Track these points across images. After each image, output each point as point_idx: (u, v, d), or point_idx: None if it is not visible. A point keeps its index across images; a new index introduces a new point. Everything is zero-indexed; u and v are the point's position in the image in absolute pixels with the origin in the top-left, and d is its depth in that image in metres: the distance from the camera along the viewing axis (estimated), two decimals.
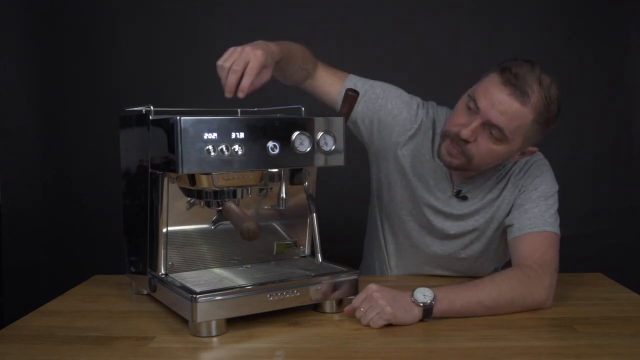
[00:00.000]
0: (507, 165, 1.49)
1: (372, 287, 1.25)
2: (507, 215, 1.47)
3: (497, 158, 1.39)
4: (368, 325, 1.21)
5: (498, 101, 1.30)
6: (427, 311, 1.23)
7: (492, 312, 1.27)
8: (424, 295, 1.23)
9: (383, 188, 1.59)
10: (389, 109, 1.52)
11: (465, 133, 1.33)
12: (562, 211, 2.30)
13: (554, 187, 1.48)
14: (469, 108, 1.35)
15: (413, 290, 1.24)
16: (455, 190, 1.51)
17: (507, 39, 2.23)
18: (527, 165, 1.48)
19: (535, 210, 1.42)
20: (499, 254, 1.57)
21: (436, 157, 1.49)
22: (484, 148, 1.35)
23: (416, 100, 1.55)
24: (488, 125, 1.33)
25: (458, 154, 1.38)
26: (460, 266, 1.58)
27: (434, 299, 1.23)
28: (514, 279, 1.31)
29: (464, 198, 1.50)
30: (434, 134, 1.53)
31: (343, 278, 1.30)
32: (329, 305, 1.30)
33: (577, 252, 2.21)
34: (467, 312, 1.26)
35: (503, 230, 1.49)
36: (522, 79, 1.30)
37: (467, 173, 1.48)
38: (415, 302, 1.22)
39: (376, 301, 1.21)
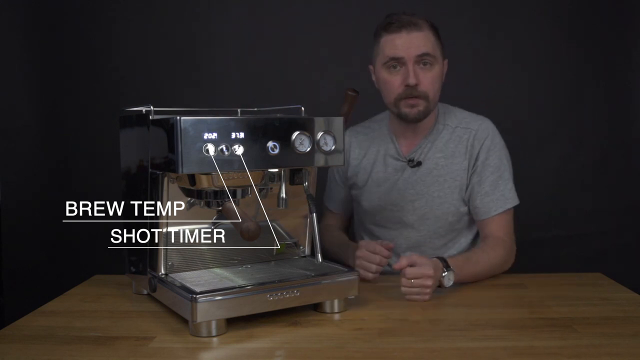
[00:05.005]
0: (445, 120, 1.67)
1: (432, 272, 1.37)
2: (466, 186, 1.63)
3: (439, 80, 1.62)
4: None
5: (409, 41, 1.55)
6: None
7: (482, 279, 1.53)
8: (449, 279, 1.42)
9: (357, 205, 1.79)
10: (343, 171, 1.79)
11: (411, 80, 1.55)
12: (562, 211, 2.30)
13: (504, 157, 1.63)
14: (393, 68, 1.58)
15: (444, 273, 1.41)
16: (407, 160, 1.67)
17: (506, 40, 2.23)
18: (477, 136, 1.63)
19: (496, 193, 1.61)
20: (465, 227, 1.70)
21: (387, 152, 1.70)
22: (428, 79, 1.58)
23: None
24: (418, 61, 1.56)
25: (417, 100, 1.58)
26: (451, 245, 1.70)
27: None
28: (500, 255, 1.55)
29: (419, 164, 1.66)
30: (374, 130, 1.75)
31: (343, 278, 1.30)
32: (329, 305, 1.30)
33: (577, 252, 2.21)
34: (465, 281, 1.48)
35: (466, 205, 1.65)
36: (405, 20, 1.56)
37: (412, 141, 1.68)
38: (441, 284, 1.41)
39: (426, 287, 1.36)
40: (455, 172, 1.63)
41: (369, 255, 1.48)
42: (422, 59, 1.56)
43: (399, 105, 1.60)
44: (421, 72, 1.57)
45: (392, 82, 1.59)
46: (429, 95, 1.58)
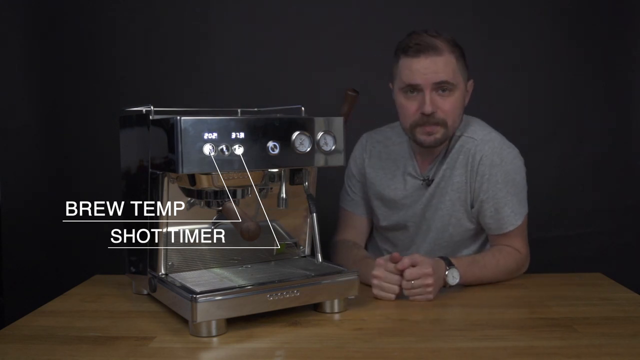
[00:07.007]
0: (461, 132, 1.60)
1: (430, 270, 1.36)
2: (472, 201, 1.58)
3: (460, 106, 1.55)
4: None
5: (426, 67, 1.48)
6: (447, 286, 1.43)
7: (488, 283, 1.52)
8: (453, 276, 1.42)
9: (373, 211, 1.74)
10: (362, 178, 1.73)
11: (427, 108, 1.49)
12: (562, 211, 2.30)
13: (512, 172, 1.57)
14: (410, 93, 1.52)
15: (447, 270, 1.41)
16: (422, 179, 1.63)
17: (506, 40, 2.23)
18: (479, 148, 1.56)
19: (506, 209, 1.56)
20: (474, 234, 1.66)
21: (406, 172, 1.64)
22: (447, 106, 1.51)
23: (353, 155, 1.76)
24: (436, 88, 1.49)
25: (434, 128, 1.52)
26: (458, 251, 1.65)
27: (459, 279, 1.43)
28: (509, 262, 1.54)
29: (432, 181, 1.61)
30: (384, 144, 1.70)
31: (343, 278, 1.30)
32: (329, 305, 1.30)
33: (577, 252, 2.21)
34: (470, 284, 1.48)
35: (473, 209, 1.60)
36: (424, 43, 1.48)
37: (430, 158, 1.62)
38: (446, 283, 1.42)
39: (427, 286, 1.36)
40: (457, 184, 1.58)
41: (387, 275, 1.39)
42: (441, 86, 1.49)
43: (414, 132, 1.54)
44: (439, 99, 1.50)
45: (408, 108, 1.53)
46: (448, 122, 1.52)
